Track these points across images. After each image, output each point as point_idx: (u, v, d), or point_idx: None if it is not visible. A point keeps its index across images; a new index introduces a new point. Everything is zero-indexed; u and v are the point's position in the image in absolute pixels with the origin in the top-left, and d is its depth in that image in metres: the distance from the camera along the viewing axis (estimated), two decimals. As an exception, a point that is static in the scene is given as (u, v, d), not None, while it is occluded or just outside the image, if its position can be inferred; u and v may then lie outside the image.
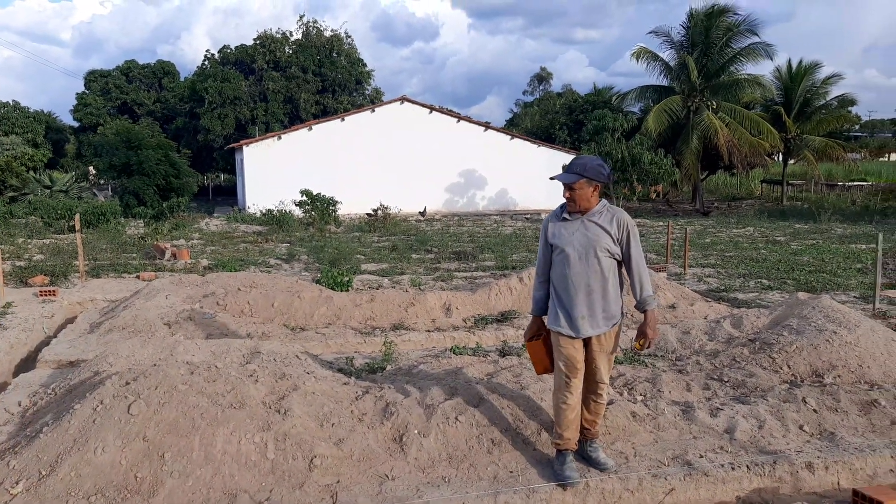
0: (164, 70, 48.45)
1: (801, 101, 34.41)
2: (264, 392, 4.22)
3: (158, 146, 26.52)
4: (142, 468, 3.64)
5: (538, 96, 55.91)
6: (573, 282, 3.84)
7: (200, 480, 3.64)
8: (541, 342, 4.07)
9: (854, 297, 9.84)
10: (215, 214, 27.21)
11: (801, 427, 4.82)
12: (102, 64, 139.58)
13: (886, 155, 54.47)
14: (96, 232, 18.08)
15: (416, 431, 4.17)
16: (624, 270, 3.99)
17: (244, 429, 3.89)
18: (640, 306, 3.94)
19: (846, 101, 35.86)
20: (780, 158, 37.66)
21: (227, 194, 42.83)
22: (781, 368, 5.78)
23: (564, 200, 3.93)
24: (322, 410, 4.21)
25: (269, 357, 5.18)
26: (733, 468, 4.19)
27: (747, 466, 4.23)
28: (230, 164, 39.03)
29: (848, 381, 5.50)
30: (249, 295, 7.87)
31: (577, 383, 3.94)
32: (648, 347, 4.01)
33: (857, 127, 46.71)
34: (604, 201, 3.94)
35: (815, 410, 5.00)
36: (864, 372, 5.55)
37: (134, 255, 14.40)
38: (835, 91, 35.03)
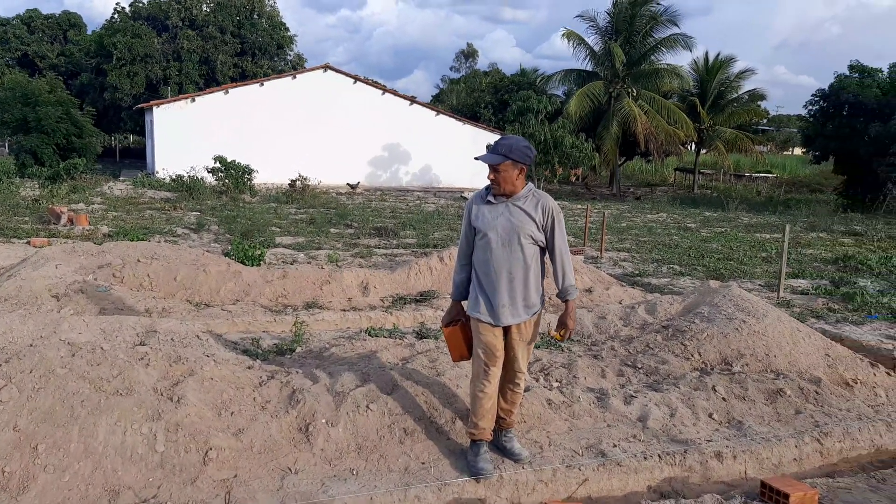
0: (69, 22, 45.29)
1: (715, 93, 35.69)
2: (156, 377, 3.86)
3: (59, 102, 24.72)
4: (11, 461, 3.24)
5: (465, 73, 55.75)
6: (495, 268, 3.67)
7: (79, 475, 3.27)
8: (458, 328, 3.89)
9: (759, 284, 10.20)
10: (121, 178, 25.71)
11: (710, 415, 4.86)
12: (2, 11, 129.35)
13: (791, 149, 57.50)
14: (-15, 192, 16.68)
15: (323, 421, 3.92)
16: (546, 258, 3.85)
17: (131, 418, 3.53)
18: (562, 296, 3.82)
19: (756, 96, 37.49)
20: (693, 148, 39.08)
21: (136, 157, 40.70)
22: (693, 356, 5.85)
23: (489, 182, 3.74)
24: (221, 398, 3.89)
25: (166, 337, 4.78)
26: (646, 458, 4.16)
27: (659, 456, 4.21)
28: (140, 126, 36.96)
29: (755, 369, 5.61)
30: (150, 267, 7.34)
31: (496, 372, 3.79)
32: (568, 338, 3.89)
33: (765, 121, 48.94)
34: (529, 185, 3.76)
35: (724, 399, 5.06)
36: (770, 361, 5.68)
37: (27, 218, 13.34)
38: (747, 85, 36.54)
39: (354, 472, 3.68)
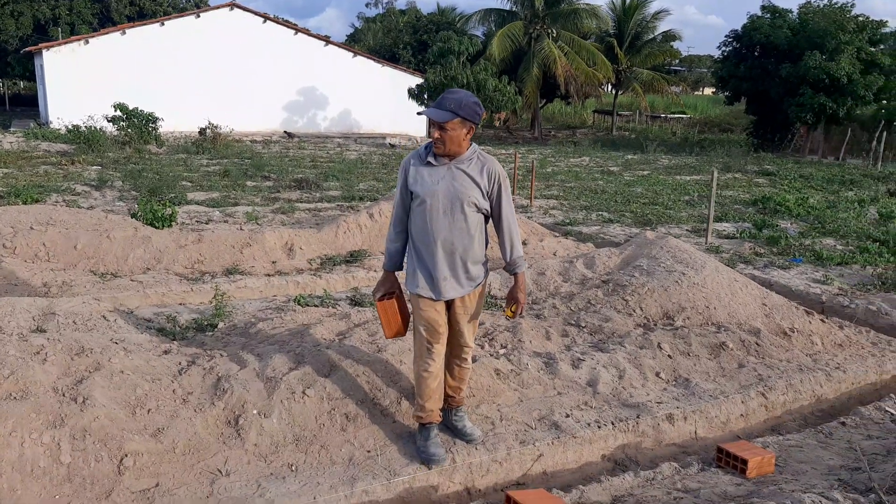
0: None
1: (632, 34, 35.84)
2: (56, 375, 3.35)
3: (-69, 45, 22.21)
4: None
5: (381, 11, 53.83)
6: (435, 238, 3.31)
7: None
8: (394, 301, 3.54)
9: (686, 230, 10.29)
10: (11, 129, 23.56)
11: (657, 374, 4.76)
12: None
13: (702, 89, 58.99)
14: None
15: (255, 412, 3.53)
16: (491, 227, 3.52)
17: (29, 426, 3.04)
18: (510, 268, 3.51)
19: (670, 36, 37.96)
20: (611, 90, 39.39)
21: (29, 105, 37.52)
22: (635, 311, 5.74)
23: (432, 140, 3.34)
24: (134, 394, 3.43)
25: (67, 321, 4.23)
26: (599, 427, 4.01)
27: (612, 423, 4.07)
28: (30, 71, 33.92)
29: (696, 322, 5.56)
30: (46, 235, 6.59)
31: (440, 349, 3.48)
32: (520, 314, 3.62)
33: (677, 61, 49.81)
34: (474, 146, 3.39)
35: (669, 356, 4.97)
36: (710, 313, 5.64)
37: None
38: (662, 26, 36.90)
39: (293, 468, 3.33)
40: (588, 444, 3.94)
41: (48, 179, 12.79)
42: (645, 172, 18.22)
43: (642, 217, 11.21)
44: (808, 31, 24.68)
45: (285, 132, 27.17)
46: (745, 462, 3.53)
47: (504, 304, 3.68)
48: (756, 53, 26.73)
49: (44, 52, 24.44)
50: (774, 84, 25.09)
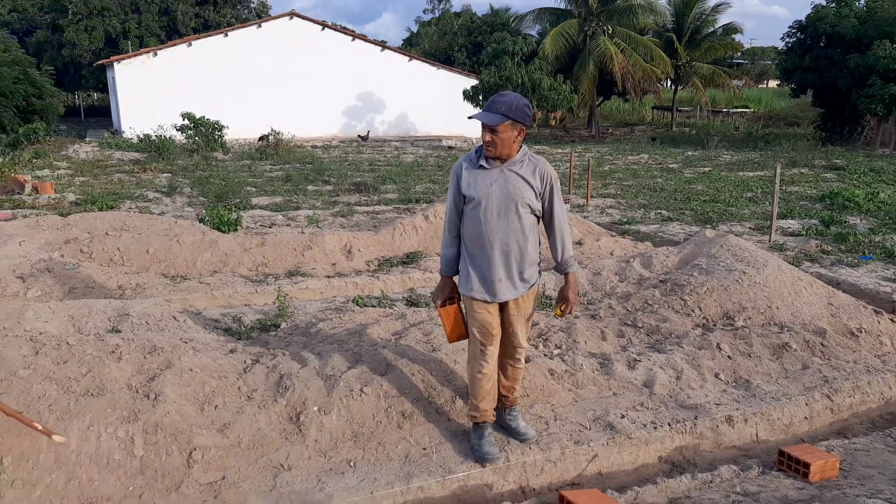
0: (18, -26, 42.85)
1: (691, 28, 35.00)
2: (130, 372, 3.55)
3: (14, 62, 23.48)
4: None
5: (437, 15, 54.16)
6: (489, 240, 3.35)
7: (51, 489, 3.00)
8: (456, 306, 3.60)
9: (749, 227, 10.03)
10: (87, 139, 24.75)
11: (716, 375, 4.69)
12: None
13: (766, 82, 57.10)
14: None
15: (315, 408, 3.66)
16: (543, 227, 3.55)
17: (105, 421, 3.23)
18: (561, 268, 3.53)
19: (731, 29, 36.86)
20: (670, 85, 38.56)
21: (102, 115, 39.28)
22: (693, 311, 5.65)
23: (483, 143, 3.38)
24: (203, 390, 3.60)
25: (140, 321, 4.46)
26: (655, 428, 3.98)
27: (669, 425, 4.03)
28: (103, 83, 35.53)
29: (758, 322, 5.44)
30: (120, 240, 6.94)
31: (494, 350, 3.53)
32: (570, 313, 3.63)
33: (739, 54, 48.36)
34: (525, 148, 3.41)
35: (729, 357, 4.88)
36: (773, 313, 5.50)
37: (-13, 189, 12.72)
38: (722, 19, 35.89)
39: (352, 464, 3.44)
40: (644, 445, 3.91)
41: (122, 187, 13.40)
42: (706, 169, 17.80)
43: (703, 215, 10.98)
44: (876, 20, 23.64)
45: (359, 136, 27.65)
46: (807, 466, 3.45)
47: (555, 304, 3.70)
48: (822, 44, 25.76)
49: (115, 64, 25.59)
50: (842, 75, 24.13)
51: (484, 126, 3.30)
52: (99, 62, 29.48)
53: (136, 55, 26.34)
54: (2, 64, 22.76)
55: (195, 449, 3.26)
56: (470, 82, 28.55)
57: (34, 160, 16.74)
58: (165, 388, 3.48)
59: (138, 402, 3.36)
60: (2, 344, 3.51)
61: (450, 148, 25.88)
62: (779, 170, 9.09)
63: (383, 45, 30.81)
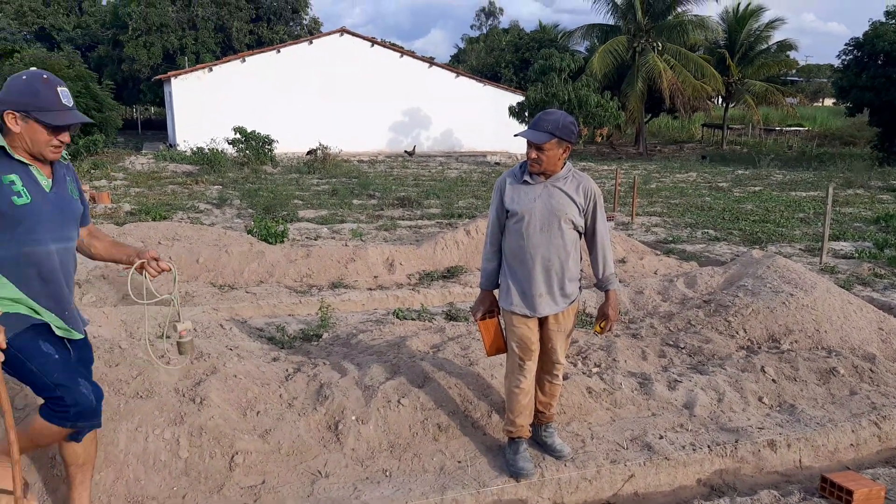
0: (84, -8, 44.87)
1: (744, 45, 34.47)
2: (177, 376, 3.68)
3: (78, 77, 24.53)
4: (27, 475, 3.09)
5: (484, 32, 54.57)
6: (531, 255, 3.38)
7: (99, 486, 3.12)
8: (496, 319, 3.63)
9: (800, 249, 9.80)
10: (144, 151, 25.65)
11: (760, 399, 4.60)
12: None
13: (822, 100, 55.73)
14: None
15: (353, 418, 3.72)
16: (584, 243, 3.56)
17: (152, 423, 3.36)
18: (602, 285, 3.54)
19: (785, 46, 36.21)
20: (721, 102, 37.97)
21: (158, 128, 40.65)
22: (738, 333, 5.56)
23: (528, 160, 3.41)
24: (246, 396, 3.70)
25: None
26: (695, 450, 3.92)
27: (709, 447, 3.96)
28: (159, 97, 36.81)
29: (805, 346, 5.32)
30: (172, 249, 7.18)
31: (532, 366, 3.54)
32: (610, 330, 3.62)
33: (794, 72, 47.36)
34: (569, 165, 3.44)
35: (773, 380, 4.78)
36: (821, 337, 5.37)
37: (49, 197, 13.26)
38: (776, 35, 35.25)
39: (388, 474, 3.49)
40: (682, 466, 3.86)
41: (175, 198, 13.84)
42: (756, 188, 17.45)
43: (751, 235, 10.77)
44: (939, 37, 22.93)
45: (405, 151, 27.99)
46: (850, 493, 3.36)
47: (594, 321, 3.70)
48: (880, 62, 25.06)
49: (172, 79, 26.49)
50: (901, 94, 23.42)
51: (530, 143, 3.32)
52: (156, 77, 30.56)
53: (192, 70, 27.22)
54: (66, 79, 23.80)
55: (237, 453, 3.36)
56: (516, 98, 28.64)
57: (92, 171, 17.43)
58: (210, 392, 3.59)
59: (184, 406, 3.48)
60: (59, 346, 3.68)
61: (496, 164, 25.95)
62: (831, 190, 8.88)
63: (431, 61, 31.17)
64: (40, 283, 2.52)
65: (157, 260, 2.82)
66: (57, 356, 2.54)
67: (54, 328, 2.57)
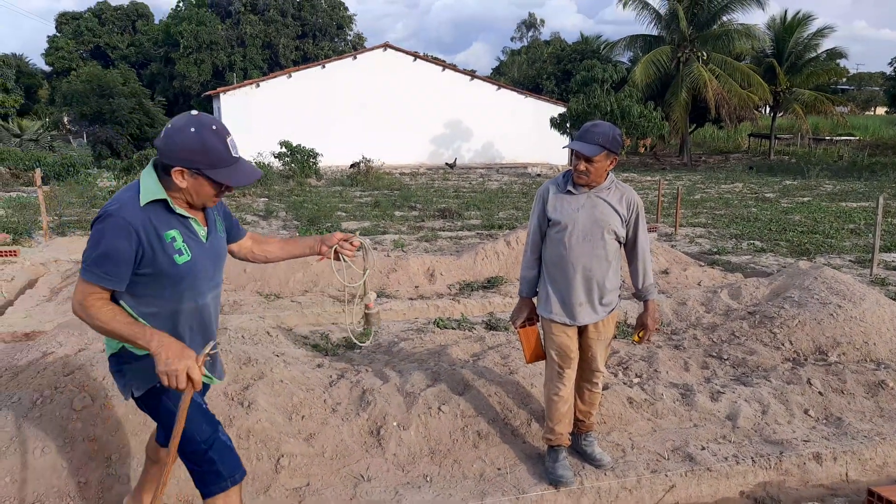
0: (137, 12, 46.64)
1: (792, 53, 33.79)
2: (227, 381, 3.81)
3: (132, 94, 25.51)
4: (86, 472, 3.25)
5: (526, 44, 54.68)
6: (573, 264, 3.41)
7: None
8: (536, 327, 3.67)
9: (850, 260, 9.56)
10: (192, 165, 26.38)
11: (806, 412, 4.52)
12: (74, 5, 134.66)
13: (873, 109, 54.15)
14: (65, 185, 17.34)
15: (395, 423, 3.80)
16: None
17: (203, 425, 3.49)
18: (642, 295, 3.55)
19: (835, 54, 35.33)
20: (769, 112, 37.22)
21: (206, 143, 41.69)
22: (783, 345, 5.47)
23: (573, 170, 3.42)
24: (291, 401, 3.82)
25: (237, 335, 4.77)
26: (738, 461, 3.88)
27: (752, 459, 3.92)
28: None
29: (853, 359, 5.21)
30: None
31: (571, 374, 3.57)
32: (648, 340, 3.64)
33: (844, 80, 46.15)
34: (611, 176, 3.47)
35: (820, 393, 4.70)
36: (870, 349, 5.25)
37: (104, 210, 13.76)
38: (825, 44, 34.46)
39: (428, 479, 3.55)
40: (725, 478, 3.83)
41: (222, 210, 14.20)
42: (805, 199, 17.07)
43: (799, 246, 10.55)
44: None
45: (446, 163, 28.20)
46: (899, 508, 3.29)
47: (633, 331, 3.71)
48: (937, 68, 24.27)
49: (221, 95, 27.26)
50: (960, 100, 22.62)
51: (579, 155, 3.33)
52: (206, 93, 31.47)
53: (240, 87, 27.97)
54: (121, 95, 24.73)
55: (283, 455, 3.46)
56: (557, 110, 28.61)
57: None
58: (258, 396, 3.71)
59: (233, 409, 3.61)
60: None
61: (537, 175, 25.92)
62: (882, 200, 8.65)
63: (473, 74, 31.39)
64: (191, 333, 2.45)
65: (346, 240, 2.73)
66: (203, 405, 2.50)
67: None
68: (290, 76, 28.00)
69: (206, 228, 2.45)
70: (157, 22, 45.75)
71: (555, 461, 3.59)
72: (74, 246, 9.92)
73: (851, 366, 5.02)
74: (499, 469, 3.66)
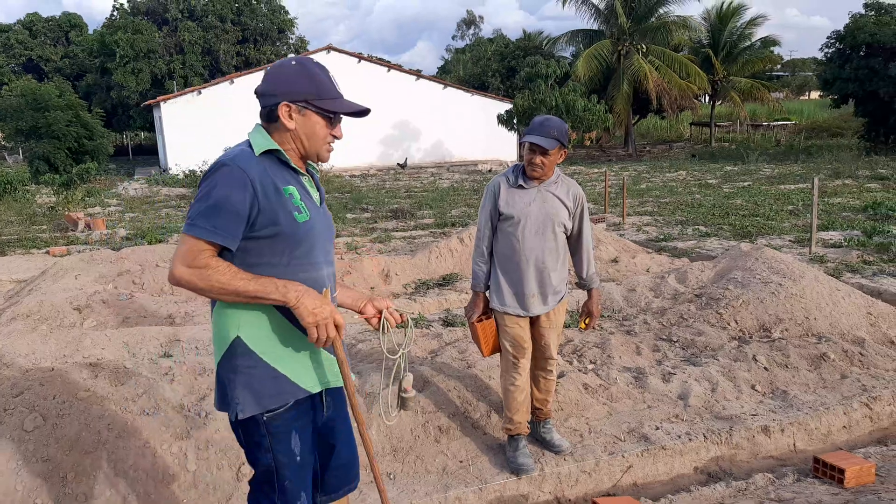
0: (70, 23, 45.21)
1: (728, 42, 34.81)
2: (182, 392, 3.77)
3: (68, 106, 24.68)
4: (41, 494, 3.17)
5: (468, 42, 54.96)
6: (526, 257, 3.48)
7: (111, 502, 3.20)
8: (492, 321, 3.71)
9: (789, 240, 9.93)
10: (136, 176, 25.76)
11: (753, 387, 4.70)
12: (2, 17, 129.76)
13: (807, 94, 56.16)
14: (2, 203, 16.72)
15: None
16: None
17: (160, 438, 3.44)
18: (586, 284, 3.67)
19: (769, 42, 36.57)
20: (708, 101, 38.29)
21: (149, 153, 40.77)
22: (729, 324, 5.67)
23: (525, 164, 3.47)
24: (249, 409, 3.78)
25: (190, 346, 4.70)
26: (690, 439, 4.02)
27: (704, 436, 4.06)
28: (149, 122, 36.98)
29: (795, 334, 5.43)
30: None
31: (526, 364, 3.64)
32: (594, 327, 3.76)
33: (779, 67, 47.73)
34: (557, 170, 3.56)
35: (765, 368, 4.89)
36: (811, 324, 5.48)
37: (44, 227, 13.37)
38: (759, 32, 35.62)
39: (391, 477, 3.58)
40: (679, 455, 3.96)
41: (169, 221, 13.93)
42: (745, 183, 17.63)
43: (741, 229, 10.91)
44: (919, 26, 23.25)
45: (398, 164, 28.12)
46: (842, 472, 3.46)
47: (579, 317, 3.83)
48: (862, 53, 25.37)
49: (161, 104, 26.65)
50: (884, 84, 23.73)
51: (535, 149, 3.39)
52: (146, 103, 30.73)
53: (181, 94, 27.39)
54: (57, 108, 23.94)
55: (244, 464, 3.43)
56: (504, 107, 28.86)
57: (86, 198, 17.49)
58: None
59: (190, 421, 3.57)
60: (63, 370, 3.76)
61: (488, 172, 26.11)
62: (817, 181, 9.02)
63: (418, 74, 31.43)
64: None
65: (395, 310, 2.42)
66: (299, 458, 2.16)
67: (314, 386, 2.19)
68: (233, 82, 27.55)
69: (318, 193, 2.21)
70: (91, 32, 44.42)
71: (515, 450, 3.66)
72: (16, 265, 9.59)
73: (794, 341, 5.23)
74: (461, 462, 3.70)
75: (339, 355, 2.12)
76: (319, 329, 1.99)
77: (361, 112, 2.13)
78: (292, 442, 2.12)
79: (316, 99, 2.04)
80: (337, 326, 2.04)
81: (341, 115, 2.13)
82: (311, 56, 2.18)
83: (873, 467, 3.51)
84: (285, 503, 2.14)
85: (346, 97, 2.15)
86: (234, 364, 2.07)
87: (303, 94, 2.03)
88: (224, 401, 2.12)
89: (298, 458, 2.14)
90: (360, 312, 2.40)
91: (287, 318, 2.08)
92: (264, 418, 2.07)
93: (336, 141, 2.19)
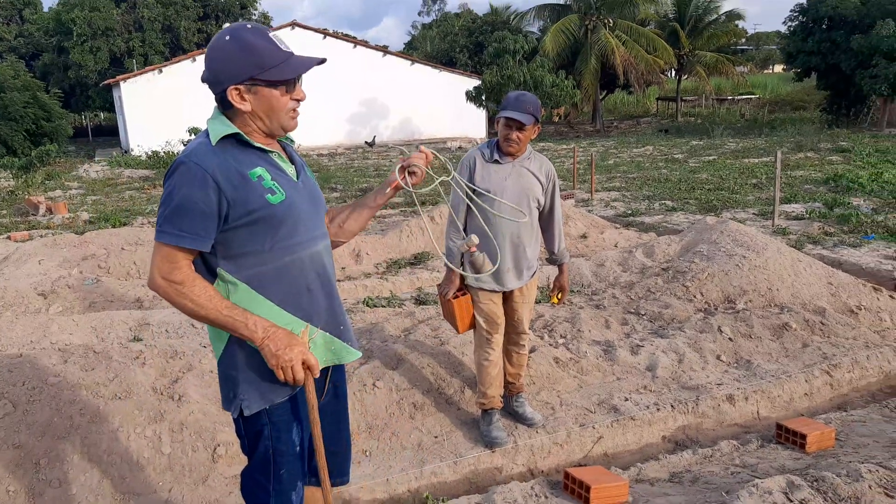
0: (24, 0, 43.58)
1: (693, 17, 35.03)
2: (154, 376, 3.75)
3: (24, 87, 23.91)
4: (13, 481, 3.15)
5: (434, 17, 54.42)
6: (502, 233, 3.50)
7: (86, 487, 3.19)
8: (468, 297, 3.72)
9: (753, 213, 10.13)
10: (96, 158, 25.16)
11: (718, 357, 4.83)
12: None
13: (771, 67, 56.89)
14: (-42, 187, 16.24)
15: (330, 403, 3.83)
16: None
17: (133, 422, 3.43)
18: (557, 259, 3.74)
19: (734, 16, 36.85)
20: (674, 75, 38.59)
21: (110, 134, 39.81)
22: (695, 297, 5.79)
23: (501, 140, 3.45)
24: (223, 391, 3.78)
25: (160, 329, 4.67)
26: (658, 409, 4.13)
27: (671, 405, 4.17)
28: (109, 102, 36.03)
29: (759, 305, 5.57)
30: (136, 254, 7.16)
31: (499, 339, 3.70)
32: (564, 302, 3.84)
33: (743, 40, 48.23)
34: (529, 146, 3.59)
35: (730, 339, 5.02)
36: (773, 295, 5.63)
37: (4, 211, 13.03)
38: (724, 6, 35.86)
39: (368, 454, 3.62)
40: (647, 425, 4.06)
41: (133, 203, 13.68)
42: (711, 158, 17.88)
43: (707, 203, 11.09)
44: (879, 0, 23.61)
45: (366, 142, 27.81)
46: (803, 437, 3.59)
47: (550, 292, 3.89)
48: (824, 26, 25.73)
49: (121, 84, 26.00)
50: (845, 57, 24.12)
51: (512, 124, 3.40)
52: (105, 82, 29.92)
53: (141, 73, 26.74)
54: (12, 90, 23.21)
55: (219, 444, 3.45)
56: (472, 83, 28.73)
57: (47, 182, 17.06)
58: (188, 389, 3.67)
59: (163, 404, 3.56)
60: (33, 354, 3.71)
61: (457, 149, 26.05)
62: (779, 155, 9.19)
63: (385, 50, 31.07)
64: (310, 297, 2.08)
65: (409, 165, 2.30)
66: (297, 448, 2.13)
67: (322, 364, 2.11)
68: (195, 60, 26.92)
69: (293, 166, 2.12)
70: (46, 10, 42.92)
71: (489, 424, 3.72)
72: (-25, 251, 9.34)
73: (758, 311, 5.38)
74: (436, 437, 3.76)
75: (309, 398, 2.04)
76: (285, 371, 1.94)
77: (316, 63, 2.02)
78: (293, 432, 2.11)
79: (261, 72, 1.92)
80: (309, 367, 1.98)
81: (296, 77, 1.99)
82: (274, 33, 2.08)
83: (833, 432, 3.65)
84: (280, 492, 2.12)
85: (310, 74, 2.04)
86: (234, 361, 2.04)
87: (246, 72, 1.91)
88: (228, 398, 2.08)
89: (297, 448, 2.13)
90: (393, 189, 2.30)
91: (282, 309, 2.03)
92: (267, 409, 2.06)
93: (301, 104, 2.07)
